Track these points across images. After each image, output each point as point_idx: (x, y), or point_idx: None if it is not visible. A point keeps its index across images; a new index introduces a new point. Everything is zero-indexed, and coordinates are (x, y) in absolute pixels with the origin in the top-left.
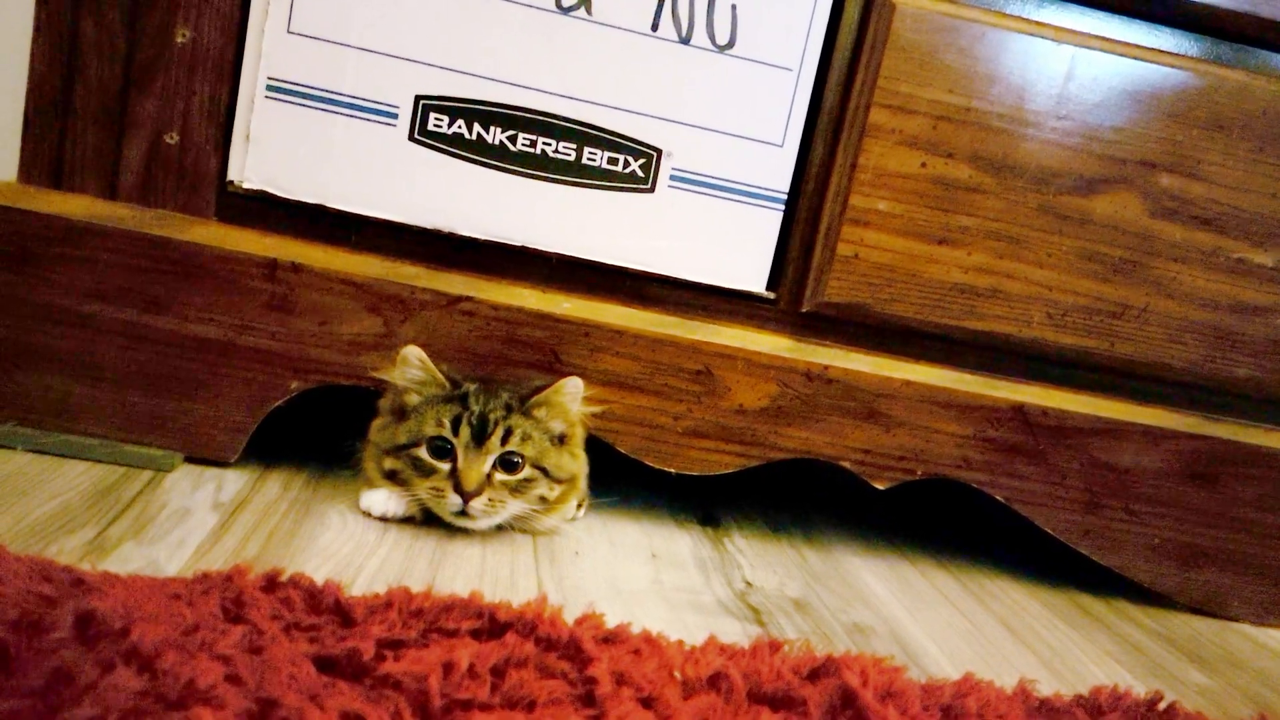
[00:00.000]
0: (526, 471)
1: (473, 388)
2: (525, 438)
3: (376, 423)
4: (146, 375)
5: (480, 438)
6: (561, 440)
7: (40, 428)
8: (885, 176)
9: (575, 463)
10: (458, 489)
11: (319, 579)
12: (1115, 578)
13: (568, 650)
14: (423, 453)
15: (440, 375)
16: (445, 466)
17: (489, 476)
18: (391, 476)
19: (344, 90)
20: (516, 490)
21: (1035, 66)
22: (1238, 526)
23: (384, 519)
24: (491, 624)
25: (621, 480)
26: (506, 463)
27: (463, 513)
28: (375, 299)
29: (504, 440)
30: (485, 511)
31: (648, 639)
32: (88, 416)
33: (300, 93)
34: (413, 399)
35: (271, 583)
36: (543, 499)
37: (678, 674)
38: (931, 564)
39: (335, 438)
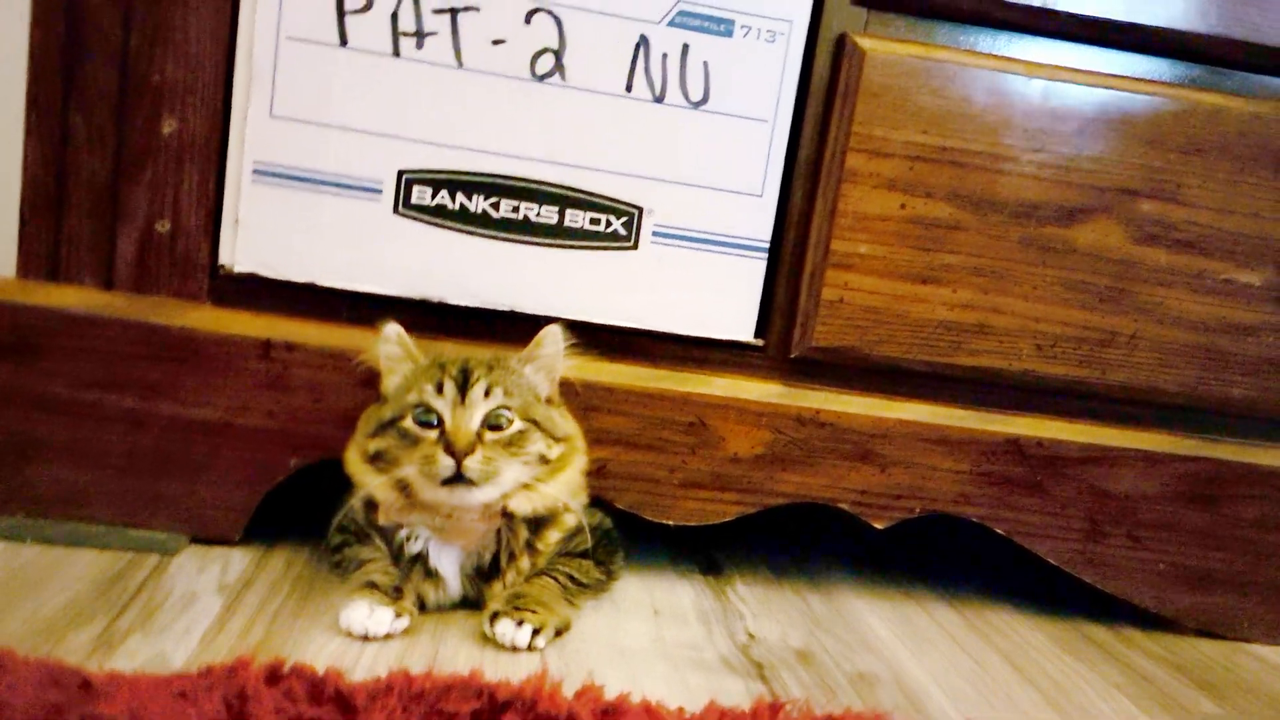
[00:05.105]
0: (518, 425)
1: (449, 355)
2: (509, 393)
3: (362, 415)
4: (149, 460)
5: (464, 391)
6: (549, 404)
7: (47, 517)
8: (865, 220)
9: (568, 422)
10: (449, 450)
11: (324, 658)
12: (1120, 603)
13: None
14: (408, 423)
15: (416, 353)
16: (432, 434)
17: (480, 435)
18: (377, 459)
19: (328, 169)
20: (511, 446)
21: (1008, 101)
22: (1241, 546)
23: (365, 638)
24: (491, 703)
25: (621, 532)
26: (495, 425)
27: (458, 478)
28: (367, 372)
29: (487, 393)
30: (483, 473)
31: (647, 709)
32: (93, 503)
33: (286, 174)
34: (392, 381)
35: (274, 675)
36: (543, 459)
37: None
38: (935, 600)
39: (336, 506)
